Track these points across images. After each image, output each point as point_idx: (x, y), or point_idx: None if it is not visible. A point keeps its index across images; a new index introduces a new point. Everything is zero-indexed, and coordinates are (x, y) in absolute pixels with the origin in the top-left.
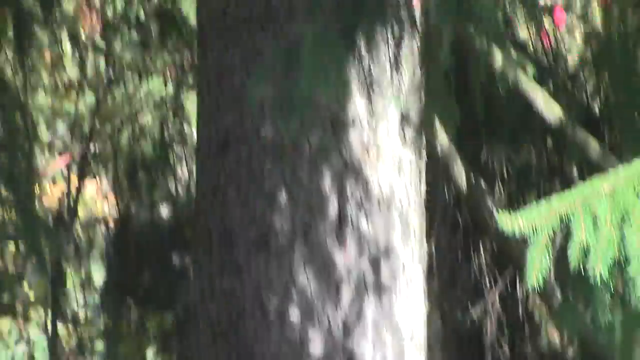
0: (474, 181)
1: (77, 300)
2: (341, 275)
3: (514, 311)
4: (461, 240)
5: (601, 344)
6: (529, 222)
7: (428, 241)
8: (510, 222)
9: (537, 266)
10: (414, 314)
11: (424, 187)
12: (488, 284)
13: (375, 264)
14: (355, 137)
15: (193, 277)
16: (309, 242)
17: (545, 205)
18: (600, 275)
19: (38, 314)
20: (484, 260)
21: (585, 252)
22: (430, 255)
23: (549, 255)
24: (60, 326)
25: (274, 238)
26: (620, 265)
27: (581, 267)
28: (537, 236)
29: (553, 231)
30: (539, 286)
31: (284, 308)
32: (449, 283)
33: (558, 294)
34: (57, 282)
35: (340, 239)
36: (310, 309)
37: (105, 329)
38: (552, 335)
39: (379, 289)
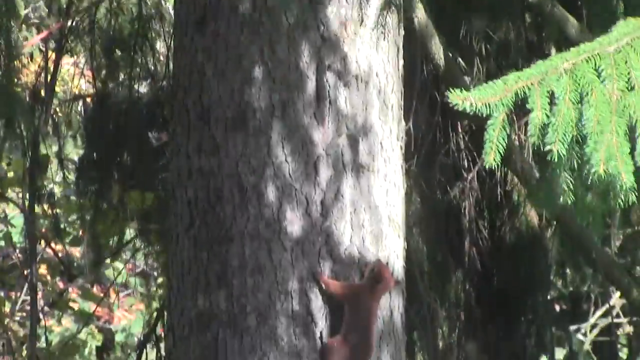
0: (451, 58)
1: (53, 179)
2: (319, 154)
3: (493, 192)
4: (439, 120)
5: (578, 224)
6: (483, 100)
7: (406, 120)
8: (461, 99)
9: (495, 145)
10: (393, 194)
11: (401, 64)
12: (466, 164)
13: (353, 142)
14: (333, 12)
15: (171, 156)
16: (286, 119)
17: (499, 83)
18: (559, 153)
19: (15, 194)
20: (462, 140)
21: (544, 130)
22: (408, 134)
23: (506, 134)
24: (37, 206)
25: (251, 115)
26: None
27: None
28: (495, 115)
29: (512, 109)
30: (499, 164)
31: (262, 187)
32: (427, 163)
33: (536, 175)
34: (34, 160)
35: (319, 117)
36: (288, 188)
37: (82, 207)
38: (531, 216)
39: (357, 168)
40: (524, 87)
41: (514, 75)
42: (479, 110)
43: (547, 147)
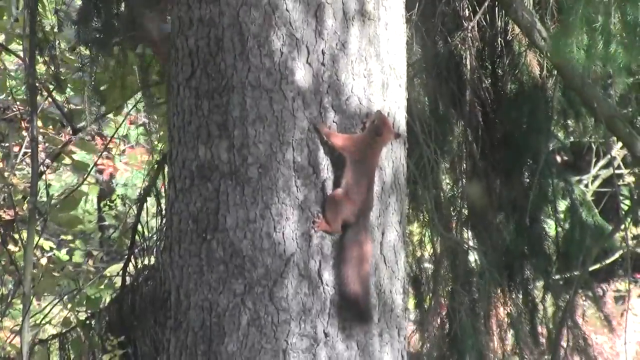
0: None
1: (53, 31)
2: (322, 2)
3: (494, 42)
4: None
5: (580, 74)
6: None
7: None
8: None
9: None
10: (394, 43)
11: None
12: (467, 13)
13: None
14: None
15: (171, 5)
16: None
17: None
18: None
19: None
20: None
21: None
22: None
23: None
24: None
25: None
26: None
27: None
28: None
29: None
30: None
31: (263, 36)
32: (428, 12)
33: (537, 25)
34: (33, 11)
35: None
36: (290, 37)
37: (82, 58)
38: (532, 65)
39: (360, 16)
40: None
41: None
42: None
43: None
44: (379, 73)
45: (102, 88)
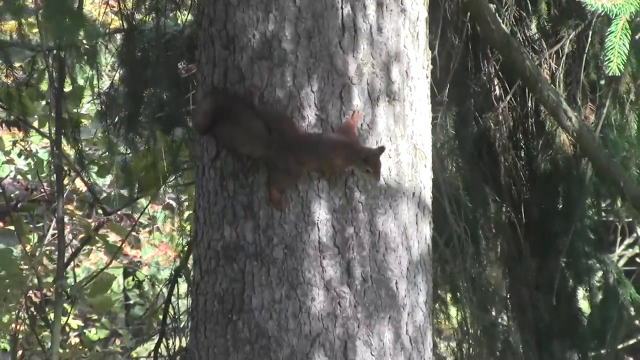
0: None
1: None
2: (346, 83)
3: (524, 123)
4: (469, 48)
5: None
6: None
7: (432, 48)
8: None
9: (617, 51)
10: (419, 123)
11: None
12: (498, 93)
13: (379, 71)
14: None
15: (196, 90)
16: (312, 48)
17: None
18: None
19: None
20: (493, 70)
21: None
22: (434, 62)
23: (627, 40)
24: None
25: (276, 45)
26: None
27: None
28: (615, 22)
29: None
30: (621, 71)
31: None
32: (460, 92)
33: (563, 104)
34: (59, 92)
35: (345, 45)
36: (315, 119)
37: (111, 140)
38: (565, 145)
39: (384, 97)
40: None
41: None
42: (609, 11)
43: None
44: (405, 153)
45: (133, 172)
